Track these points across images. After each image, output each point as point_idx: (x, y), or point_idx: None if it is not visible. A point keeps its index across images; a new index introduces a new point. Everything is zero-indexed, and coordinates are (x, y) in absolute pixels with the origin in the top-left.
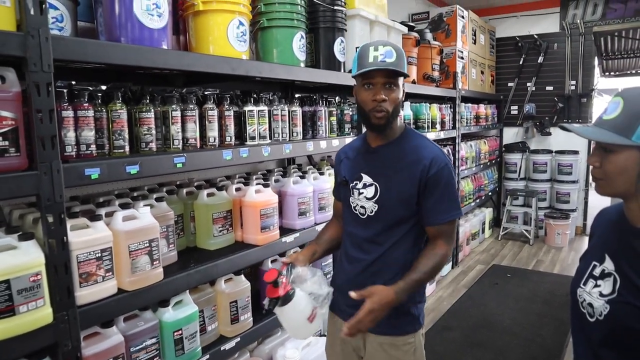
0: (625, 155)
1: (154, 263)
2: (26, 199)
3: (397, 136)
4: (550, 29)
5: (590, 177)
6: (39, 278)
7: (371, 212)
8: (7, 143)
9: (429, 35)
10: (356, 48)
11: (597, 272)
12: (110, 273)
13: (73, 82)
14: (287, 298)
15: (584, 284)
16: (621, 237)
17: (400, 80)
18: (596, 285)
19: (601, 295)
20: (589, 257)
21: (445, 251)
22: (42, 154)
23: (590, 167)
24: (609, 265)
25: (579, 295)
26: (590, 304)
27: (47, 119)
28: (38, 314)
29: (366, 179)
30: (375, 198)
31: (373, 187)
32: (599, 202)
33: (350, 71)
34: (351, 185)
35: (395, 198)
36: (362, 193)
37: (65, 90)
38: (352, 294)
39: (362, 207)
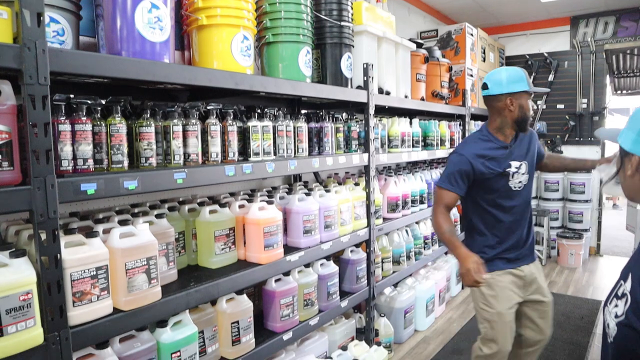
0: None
1: (152, 282)
2: (24, 214)
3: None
4: (560, 47)
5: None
6: (29, 297)
7: (525, 181)
8: (0, 157)
9: (437, 53)
10: (364, 64)
11: (620, 291)
12: (106, 292)
13: (71, 96)
14: None
15: (609, 303)
16: None
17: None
18: (616, 306)
19: (616, 316)
20: (621, 274)
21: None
22: (36, 168)
23: None
24: (628, 284)
25: (605, 315)
26: (608, 325)
27: (42, 132)
28: (28, 334)
29: (515, 163)
30: (527, 170)
31: (524, 165)
32: (612, 222)
33: (358, 87)
34: (507, 171)
35: (533, 164)
36: (519, 171)
37: (62, 104)
38: None
39: (520, 181)
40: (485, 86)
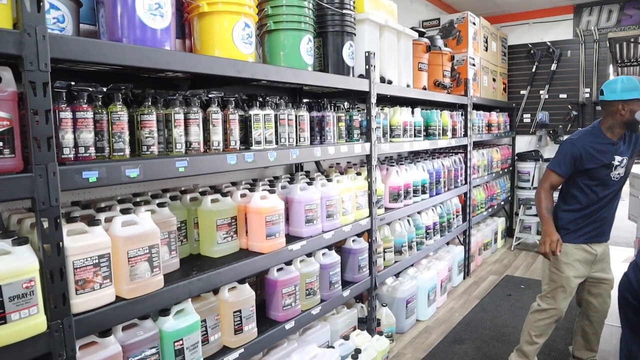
0: None
1: (154, 270)
2: (26, 203)
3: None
4: (563, 36)
5: None
6: (32, 284)
7: (621, 174)
8: (1, 144)
9: (439, 42)
10: (366, 53)
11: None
12: (108, 280)
13: (72, 83)
14: None
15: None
16: None
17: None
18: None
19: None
20: None
21: None
22: (37, 155)
23: None
24: None
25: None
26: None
27: (44, 119)
28: (31, 322)
29: (618, 158)
30: (625, 166)
31: (624, 161)
32: (617, 212)
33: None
34: (611, 164)
35: (630, 160)
36: (619, 165)
37: (63, 91)
38: None
39: (619, 173)
40: (601, 92)
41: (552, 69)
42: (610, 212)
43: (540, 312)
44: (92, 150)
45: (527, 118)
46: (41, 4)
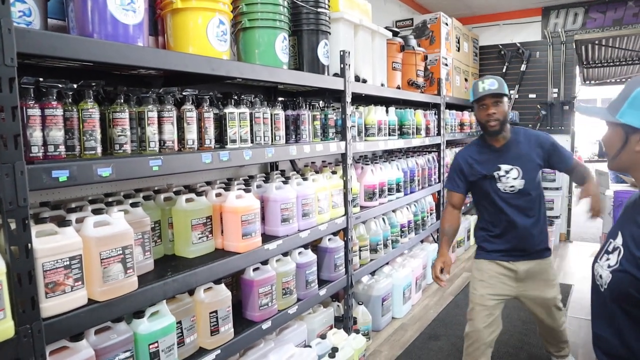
0: (613, 131)
1: (128, 271)
2: None
3: (511, 135)
4: (532, 38)
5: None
6: None
7: (520, 186)
8: None
9: (413, 42)
10: (341, 51)
11: (610, 247)
12: (80, 282)
13: (41, 79)
14: None
15: (600, 259)
16: (631, 214)
17: (504, 99)
18: (607, 259)
19: (608, 267)
20: (609, 235)
21: (583, 163)
22: (4, 154)
23: None
24: (619, 240)
25: (595, 269)
26: (600, 276)
27: (10, 116)
28: None
29: (505, 167)
30: (521, 175)
31: (515, 171)
32: (583, 209)
33: (335, 74)
34: (492, 175)
35: (534, 170)
36: (508, 177)
37: (31, 87)
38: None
39: (512, 186)
40: None
41: (521, 69)
42: (523, 230)
43: (465, 338)
44: (62, 148)
45: None
46: None
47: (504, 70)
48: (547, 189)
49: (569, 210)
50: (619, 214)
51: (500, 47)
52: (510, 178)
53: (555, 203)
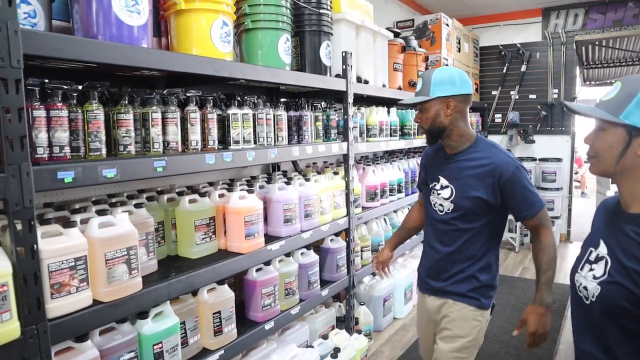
0: (612, 132)
1: (132, 272)
2: None
3: (467, 146)
4: (532, 38)
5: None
6: (5, 289)
7: (448, 210)
8: None
9: (414, 43)
10: (343, 52)
11: (592, 257)
12: (85, 283)
13: (46, 80)
14: None
15: (581, 269)
16: (614, 222)
17: (433, 104)
18: (591, 269)
19: (594, 278)
20: (587, 243)
21: (549, 237)
22: (10, 155)
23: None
24: (602, 249)
25: (577, 280)
26: (585, 287)
27: (16, 118)
28: (4, 328)
29: (443, 181)
30: (451, 198)
31: (449, 189)
32: (582, 209)
33: (337, 75)
34: (430, 185)
35: (469, 199)
36: (440, 194)
37: (37, 89)
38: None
39: (441, 205)
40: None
41: (522, 70)
42: (443, 260)
43: None
44: (67, 149)
45: (498, 118)
46: None
47: (504, 71)
48: (547, 190)
49: (569, 210)
50: (594, 220)
51: (501, 47)
52: (441, 196)
53: (556, 204)
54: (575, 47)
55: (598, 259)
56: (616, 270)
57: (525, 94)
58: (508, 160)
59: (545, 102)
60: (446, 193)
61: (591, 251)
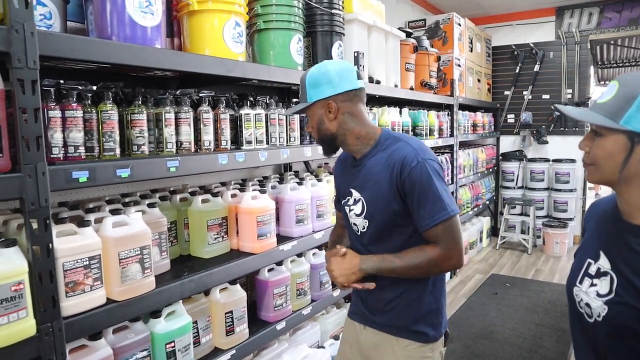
0: (612, 139)
1: (146, 272)
2: (11, 205)
3: (370, 147)
4: (546, 38)
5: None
6: (21, 287)
7: (363, 229)
8: None
9: (426, 42)
10: (355, 53)
11: (592, 270)
12: (99, 282)
13: (61, 81)
14: None
15: (580, 283)
16: (616, 233)
17: (315, 108)
18: (592, 285)
19: (598, 295)
20: (583, 253)
21: (436, 254)
22: (26, 155)
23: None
24: (604, 263)
25: (576, 294)
26: (587, 304)
27: (32, 118)
28: (20, 325)
29: (355, 194)
30: (364, 214)
31: (360, 203)
32: None
33: None
34: (343, 202)
35: (380, 210)
36: (352, 210)
37: (52, 89)
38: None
39: (355, 224)
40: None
41: (535, 70)
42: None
43: None
44: (81, 149)
45: (511, 118)
46: (29, 0)
47: (517, 71)
48: (560, 191)
49: (583, 212)
50: (587, 225)
51: (514, 47)
52: (353, 213)
53: (569, 205)
54: (589, 47)
55: (600, 274)
56: (624, 289)
57: (538, 94)
58: (411, 152)
59: (559, 102)
60: (357, 208)
61: (590, 263)
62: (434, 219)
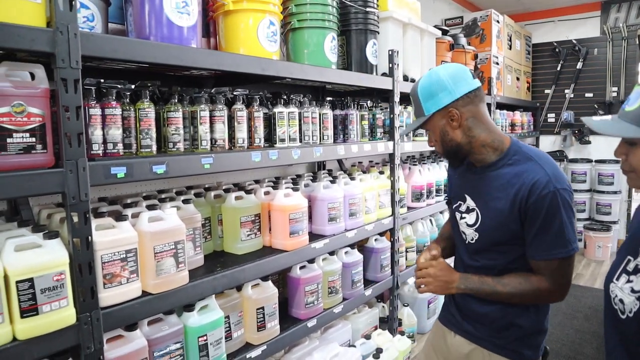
0: None
1: (180, 266)
2: (55, 199)
3: (495, 159)
4: (589, 34)
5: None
6: (62, 277)
7: (472, 240)
8: (34, 140)
9: (463, 40)
10: (389, 51)
11: (630, 267)
12: (135, 275)
13: (102, 80)
14: None
15: (617, 279)
16: None
17: (433, 121)
18: (629, 281)
19: (633, 291)
20: (624, 251)
21: (544, 287)
22: (68, 151)
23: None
24: None
25: (612, 290)
26: (621, 300)
27: (74, 116)
28: (61, 314)
29: (469, 202)
30: (476, 226)
31: (474, 214)
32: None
33: (383, 74)
34: (454, 206)
35: (495, 227)
36: (464, 218)
37: (93, 88)
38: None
39: (464, 232)
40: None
41: (577, 67)
42: (486, 303)
43: None
44: (120, 146)
45: (551, 117)
46: (73, 3)
47: (558, 69)
48: (604, 193)
49: (628, 215)
50: (633, 225)
51: (555, 44)
52: (464, 222)
53: (613, 208)
54: (638, 42)
55: (637, 270)
56: None
57: (580, 93)
58: (544, 178)
59: (603, 100)
60: (471, 219)
61: (629, 260)
62: (552, 253)
